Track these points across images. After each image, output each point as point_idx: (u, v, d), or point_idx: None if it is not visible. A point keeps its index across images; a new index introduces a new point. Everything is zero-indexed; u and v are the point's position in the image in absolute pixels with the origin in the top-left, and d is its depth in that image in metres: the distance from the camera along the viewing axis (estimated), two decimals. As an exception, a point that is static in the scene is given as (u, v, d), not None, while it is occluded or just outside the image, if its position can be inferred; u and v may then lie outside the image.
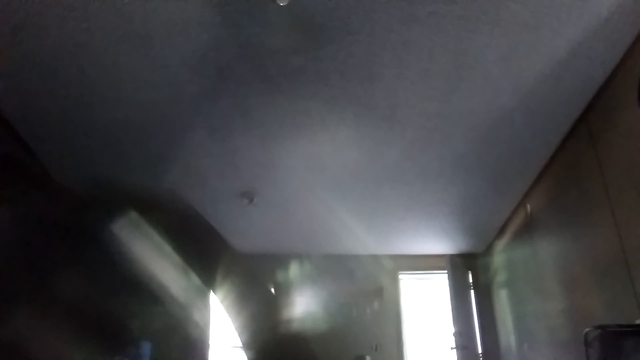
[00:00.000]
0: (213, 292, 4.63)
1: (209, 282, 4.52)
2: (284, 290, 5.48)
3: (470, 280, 5.50)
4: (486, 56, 2.53)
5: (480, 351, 5.14)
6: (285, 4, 2.12)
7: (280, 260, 5.57)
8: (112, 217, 3.89)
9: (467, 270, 5.51)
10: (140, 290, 4.21)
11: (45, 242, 3.52)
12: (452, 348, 4.98)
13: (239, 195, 4.14)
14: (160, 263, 4.23)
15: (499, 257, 5.09)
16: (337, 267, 5.59)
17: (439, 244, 5.37)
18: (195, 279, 4.56)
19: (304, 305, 5.35)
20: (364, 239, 5.13)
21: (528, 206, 4.07)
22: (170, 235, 4.13)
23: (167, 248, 4.18)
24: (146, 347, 4.21)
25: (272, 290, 5.46)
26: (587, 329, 2.36)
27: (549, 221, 3.71)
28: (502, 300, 5.08)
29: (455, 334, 4.98)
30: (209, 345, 5.24)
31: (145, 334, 4.29)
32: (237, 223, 4.70)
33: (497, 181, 3.91)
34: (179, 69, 2.62)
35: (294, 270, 5.54)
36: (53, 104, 2.89)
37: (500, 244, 4.98)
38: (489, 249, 5.35)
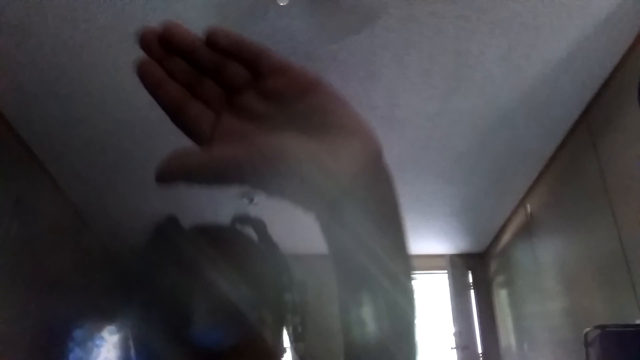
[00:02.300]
0: None
1: None
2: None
3: (470, 280, 5.50)
4: (486, 56, 2.53)
5: (480, 351, 5.14)
6: (285, 4, 2.12)
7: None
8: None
9: (467, 270, 5.51)
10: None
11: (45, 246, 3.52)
12: (452, 348, 4.98)
13: (239, 195, 4.14)
14: None
15: (499, 257, 5.09)
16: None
17: (439, 244, 5.37)
18: None
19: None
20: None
21: (528, 206, 4.07)
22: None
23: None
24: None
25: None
26: (587, 329, 2.36)
27: (549, 221, 3.71)
28: (502, 300, 5.08)
29: (455, 334, 4.98)
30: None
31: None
32: (237, 223, 4.69)
33: (497, 181, 3.91)
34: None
35: (293, 270, 5.54)
36: (53, 104, 2.89)
37: (500, 244, 4.97)
38: (489, 249, 5.35)
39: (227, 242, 0.59)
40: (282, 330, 0.60)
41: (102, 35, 2.35)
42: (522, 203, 4.20)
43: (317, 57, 2.55)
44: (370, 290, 0.33)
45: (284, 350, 0.59)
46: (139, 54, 0.36)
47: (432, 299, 5.58)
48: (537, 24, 2.31)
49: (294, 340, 0.60)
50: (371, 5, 2.21)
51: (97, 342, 3.91)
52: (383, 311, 0.33)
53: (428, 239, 5.23)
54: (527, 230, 4.11)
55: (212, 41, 0.33)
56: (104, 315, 3.83)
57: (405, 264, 0.34)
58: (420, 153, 3.51)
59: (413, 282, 0.35)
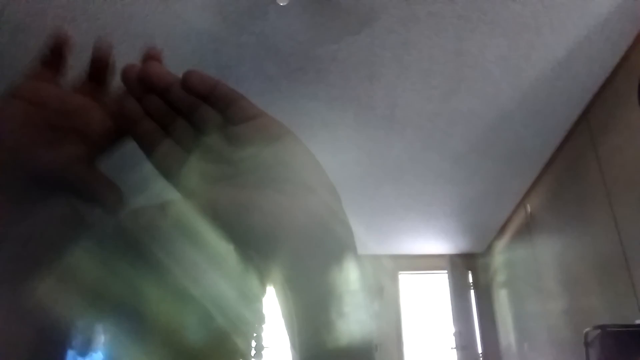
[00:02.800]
0: None
1: None
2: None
3: (470, 280, 5.51)
4: (486, 56, 2.53)
5: (480, 351, 5.14)
6: (285, 4, 2.13)
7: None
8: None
9: (467, 270, 5.51)
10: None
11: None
12: (452, 348, 4.98)
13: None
14: None
15: (499, 257, 5.09)
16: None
17: (439, 244, 5.37)
18: None
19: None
20: (364, 238, 5.13)
21: (528, 206, 4.07)
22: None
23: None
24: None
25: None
26: (587, 329, 2.36)
27: (549, 221, 3.71)
28: (502, 300, 5.08)
29: (455, 334, 4.98)
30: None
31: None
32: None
33: (497, 181, 3.91)
34: (179, 70, 2.61)
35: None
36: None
37: (500, 244, 4.98)
38: (489, 249, 5.35)
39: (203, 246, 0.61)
40: (251, 338, 0.61)
41: (102, 36, 2.35)
42: (522, 203, 4.20)
43: (317, 57, 2.55)
44: (334, 313, 0.33)
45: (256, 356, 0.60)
46: (139, 54, 0.37)
47: (432, 299, 5.59)
48: (537, 24, 2.31)
49: (255, 351, 0.62)
50: (371, 5, 2.21)
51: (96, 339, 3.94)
52: (349, 325, 0.33)
53: (428, 239, 5.23)
54: (527, 230, 4.11)
55: (186, 84, 0.35)
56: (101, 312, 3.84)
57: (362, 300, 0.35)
58: (420, 153, 3.51)
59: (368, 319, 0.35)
